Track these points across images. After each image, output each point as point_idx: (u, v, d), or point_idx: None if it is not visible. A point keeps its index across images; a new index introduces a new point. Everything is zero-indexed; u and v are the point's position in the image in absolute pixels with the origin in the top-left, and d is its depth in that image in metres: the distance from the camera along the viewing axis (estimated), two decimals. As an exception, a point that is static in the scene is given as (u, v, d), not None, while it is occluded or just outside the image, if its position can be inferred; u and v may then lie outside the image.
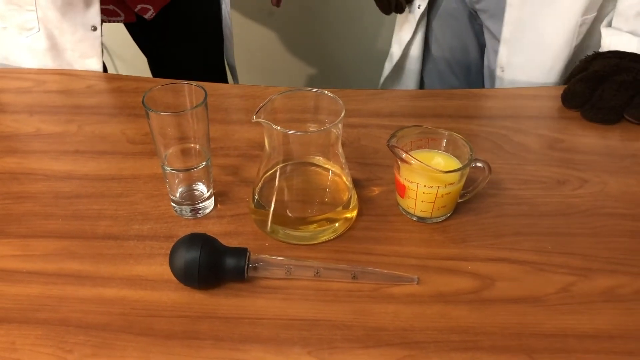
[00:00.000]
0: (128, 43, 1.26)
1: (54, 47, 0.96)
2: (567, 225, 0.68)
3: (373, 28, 1.73)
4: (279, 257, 0.62)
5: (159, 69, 1.28)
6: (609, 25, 0.90)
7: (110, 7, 1.06)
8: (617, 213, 0.69)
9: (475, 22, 1.15)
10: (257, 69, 1.81)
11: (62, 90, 0.93)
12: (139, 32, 1.21)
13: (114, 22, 1.10)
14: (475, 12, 1.12)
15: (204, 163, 0.67)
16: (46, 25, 0.94)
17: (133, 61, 1.30)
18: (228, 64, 1.25)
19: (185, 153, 0.66)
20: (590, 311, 0.58)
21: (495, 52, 1.06)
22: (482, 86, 1.27)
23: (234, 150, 0.79)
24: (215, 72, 1.28)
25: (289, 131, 0.60)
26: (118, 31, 1.24)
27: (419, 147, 0.69)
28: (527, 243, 0.66)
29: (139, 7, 1.07)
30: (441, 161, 0.68)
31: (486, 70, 1.15)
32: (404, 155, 0.64)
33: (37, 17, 0.93)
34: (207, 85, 0.88)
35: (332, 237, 0.66)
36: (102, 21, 1.05)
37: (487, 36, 1.12)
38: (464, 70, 1.23)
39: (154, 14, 1.09)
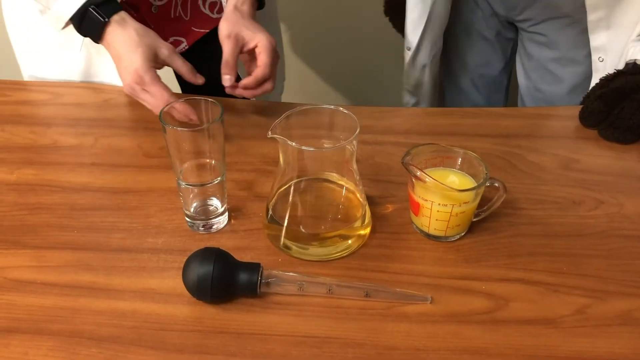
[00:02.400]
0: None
1: (88, 69, 0.98)
2: (582, 246, 0.67)
3: (392, 43, 1.73)
4: (291, 273, 0.62)
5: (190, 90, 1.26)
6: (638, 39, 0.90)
7: None
8: (633, 235, 0.69)
9: (502, 38, 1.15)
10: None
11: (79, 103, 0.94)
12: None
13: None
14: (511, 23, 1.12)
15: (218, 178, 0.67)
16: (89, 49, 0.96)
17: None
18: None
19: (200, 168, 0.67)
20: (606, 334, 0.58)
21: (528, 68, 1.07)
22: (504, 104, 1.27)
23: (248, 165, 0.80)
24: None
25: (303, 147, 0.60)
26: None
27: (434, 165, 0.69)
28: (541, 264, 0.65)
29: (171, 39, 1.05)
30: (456, 180, 0.68)
31: (524, 88, 1.15)
32: (418, 173, 0.63)
33: (83, 40, 0.95)
34: (223, 100, 0.89)
35: (345, 254, 0.66)
36: None
37: (521, 52, 1.12)
38: (487, 87, 1.23)
39: (187, 47, 1.07)
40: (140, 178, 0.78)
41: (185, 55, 1.08)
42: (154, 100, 0.80)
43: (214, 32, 1.03)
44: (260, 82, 0.82)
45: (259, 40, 0.83)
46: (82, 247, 0.68)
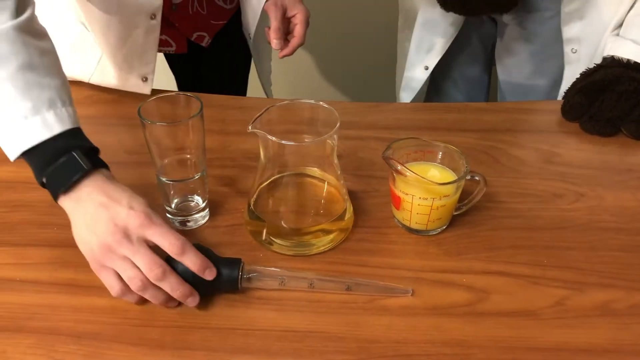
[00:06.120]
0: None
1: (102, 73, 0.95)
2: (562, 239, 0.68)
3: (379, 40, 1.73)
4: (272, 268, 0.62)
5: (187, 88, 1.27)
6: (617, 34, 0.90)
7: (163, 36, 1.03)
8: (612, 227, 0.69)
9: (483, 34, 1.15)
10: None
11: (61, 100, 0.93)
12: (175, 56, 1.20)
13: (164, 52, 1.09)
14: (492, 19, 1.12)
15: (199, 174, 0.67)
16: (103, 63, 0.94)
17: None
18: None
19: (180, 164, 0.66)
20: (585, 325, 0.58)
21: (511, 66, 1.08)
22: (486, 100, 1.28)
23: (230, 161, 0.80)
24: (239, 91, 1.29)
25: (283, 141, 0.60)
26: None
27: (415, 160, 0.69)
28: (522, 256, 0.65)
29: (195, 35, 1.07)
30: (437, 173, 0.68)
31: (505, 84, 1.15)
32: (399, 167, 0.64)
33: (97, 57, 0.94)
34: (205, 96, 0.89)
35: (327, 249, 0.66)
36: None
37: (501, 48, 1.13)
38: (468, 86, 1.23)
39: (210, 41, 1.09)
40: (122, 175, 0.76)
41: (208, 49, 1.10)
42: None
43: (230, 24, 1.10)
44: (295, 49, 0.95)
45: (298, 11, 0.94)
46: (61, 244, 0.67)
